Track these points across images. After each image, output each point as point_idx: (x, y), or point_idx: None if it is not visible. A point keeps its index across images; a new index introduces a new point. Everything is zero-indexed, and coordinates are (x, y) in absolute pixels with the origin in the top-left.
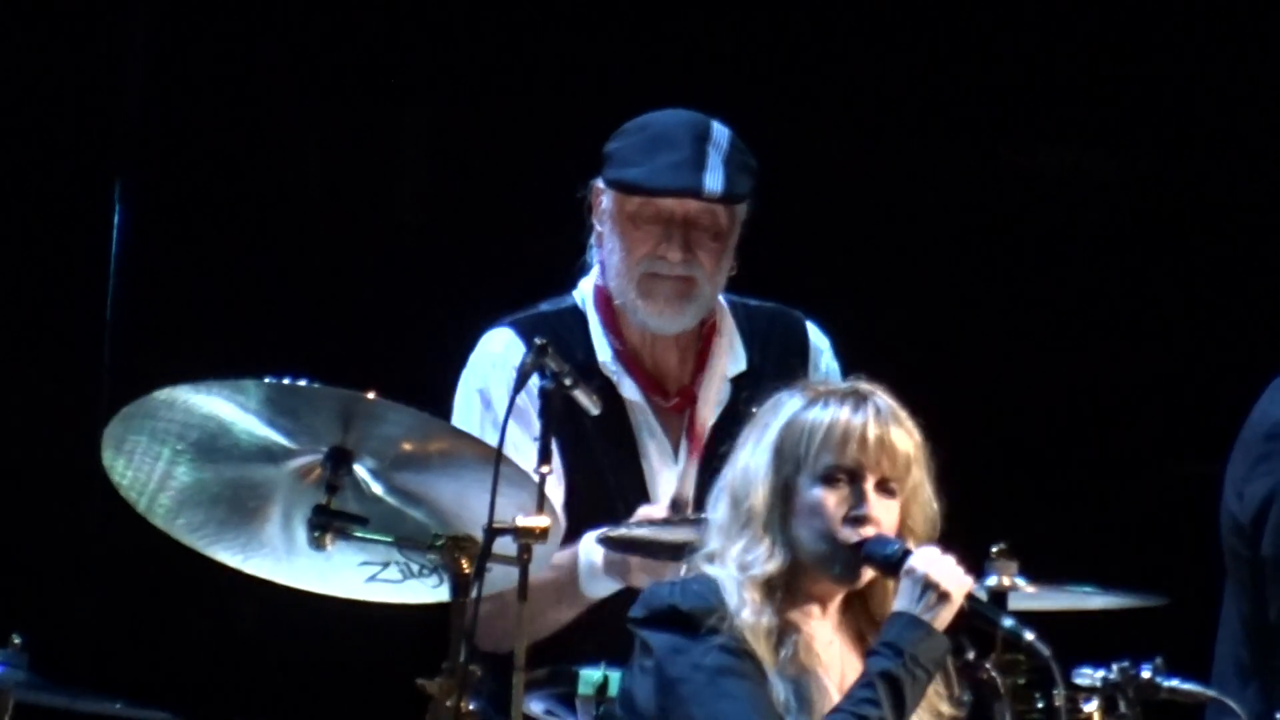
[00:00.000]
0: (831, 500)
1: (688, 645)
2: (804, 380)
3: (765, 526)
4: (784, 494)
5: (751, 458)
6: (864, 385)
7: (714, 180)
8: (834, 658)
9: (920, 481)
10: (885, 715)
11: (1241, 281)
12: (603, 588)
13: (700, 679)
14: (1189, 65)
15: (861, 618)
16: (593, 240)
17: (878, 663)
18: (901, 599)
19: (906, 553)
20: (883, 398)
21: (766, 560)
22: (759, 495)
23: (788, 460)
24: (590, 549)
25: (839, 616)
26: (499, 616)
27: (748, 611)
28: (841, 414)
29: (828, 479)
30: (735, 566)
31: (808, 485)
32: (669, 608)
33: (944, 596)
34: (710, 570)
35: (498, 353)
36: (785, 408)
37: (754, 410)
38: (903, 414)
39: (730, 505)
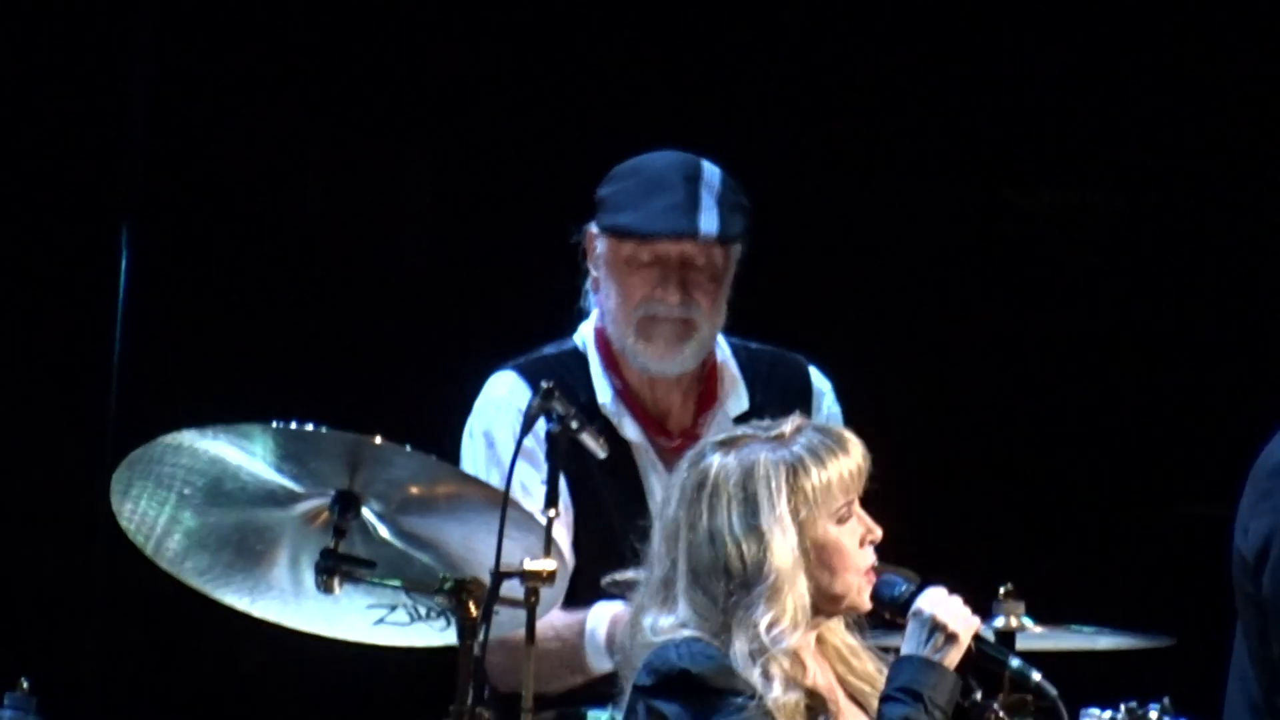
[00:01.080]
0: (848, 536)
1: (703, 710)
2: (724, 435)
3: (791, 595)
4: (806, 553)
5: (759, 524)
6: (801, 420)
7: (709, 222)
8: (825, 686)
9: None
10: None
11: (1249, 319)
12: (609, 664)
13: None
14: (1190, 103)
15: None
16: (588, 285)
17: (898, 709)
18: (910, 641)
19: (914, 594)
20: (834, 426)
21: (793, 631)
22: (784, 561)
23: (808, 519)
24: (597, 621)
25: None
26: (511, 670)
27: (778, 688)
28: (836, 457)
29: (839, 519)
30: (764, 641)
31: (826, 533)
32: (680, 673)
33: (951, 638)
34: (711, 640)
35: (502, 396)
36: (763, 468)
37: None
38: (849, 431)
39: (731, 581)
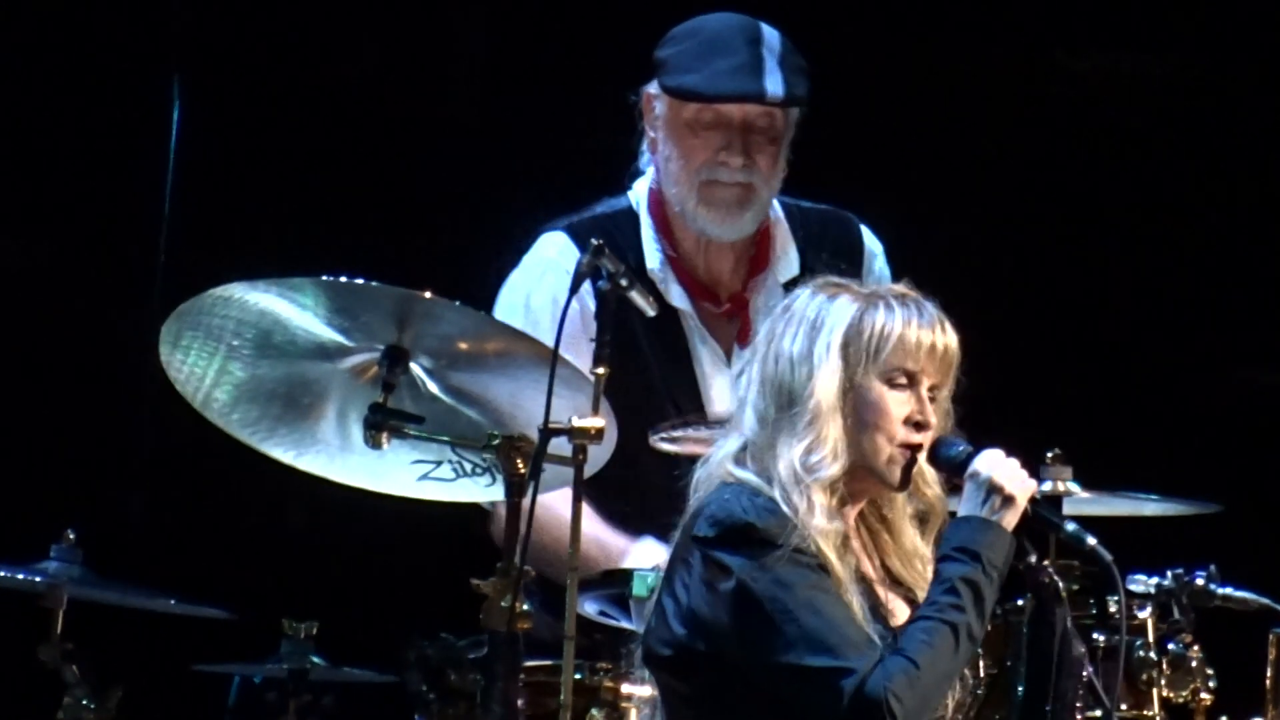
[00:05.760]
0: (894, 402)
1: (768, 563)
2: (835, 278)
3: (830, 426)
4: (846, 393)
5: (812, 350)
6: (913, 291)
7: (774, 84)
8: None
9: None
10: (970, 620)
11: None
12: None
13: (789, 597)
14: None
15: (871, 515)
16: (645, 146)
17: (956, 568)
18: (967, 502)
19: (971, 455)
20: (933, 305)
21: (832, 463)
22: (826, 392)
23: (855, 359)
24: (642, 558)
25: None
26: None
27: (820, 516)
28: (911, 320)
29: (890, 381)
30: (800, 468)
31: (870, 385)
32: (745, 524)
33: (1008, 500)
34: (747, 475)
35: (550, 258)
36: (839, 306)
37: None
38: (948, 322)
39: (780, 399)
